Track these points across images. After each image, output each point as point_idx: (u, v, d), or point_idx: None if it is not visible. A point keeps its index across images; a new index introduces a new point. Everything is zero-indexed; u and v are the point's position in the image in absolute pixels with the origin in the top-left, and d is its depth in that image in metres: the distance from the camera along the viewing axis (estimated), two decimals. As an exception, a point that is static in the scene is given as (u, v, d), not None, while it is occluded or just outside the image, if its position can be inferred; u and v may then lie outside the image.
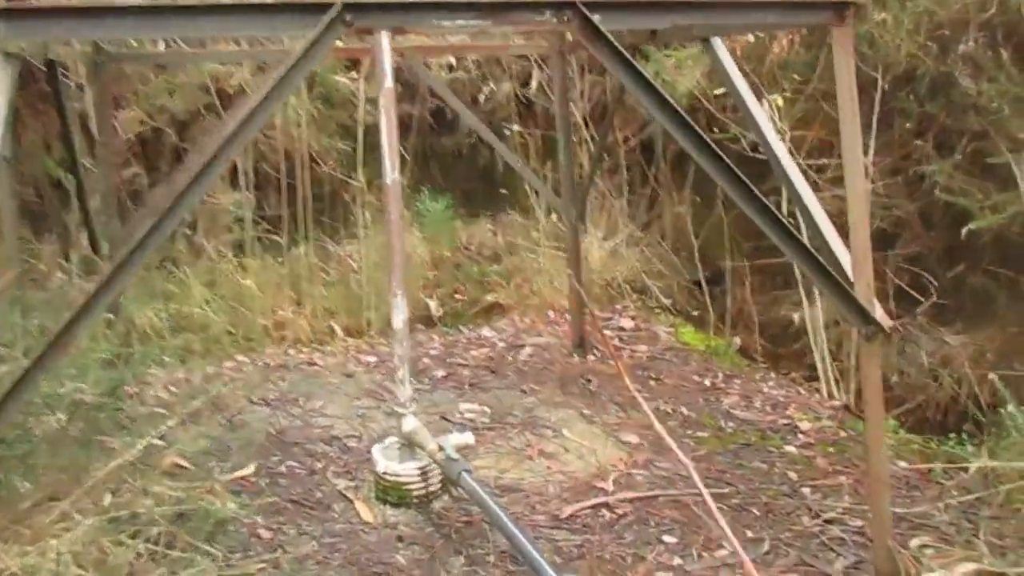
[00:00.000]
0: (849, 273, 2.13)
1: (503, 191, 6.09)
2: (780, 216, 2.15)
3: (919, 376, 3.59)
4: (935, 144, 3.64)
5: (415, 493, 2.81)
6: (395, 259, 2.70)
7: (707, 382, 3.85)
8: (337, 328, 4.78)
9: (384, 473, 2.81)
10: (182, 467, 2.86)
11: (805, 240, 2.15)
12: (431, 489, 2.85)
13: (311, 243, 5.00)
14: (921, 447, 3.11)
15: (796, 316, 4.16)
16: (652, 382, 3.87)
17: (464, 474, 2.44)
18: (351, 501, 2.85)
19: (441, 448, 2.58)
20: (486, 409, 3.60)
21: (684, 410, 3.53)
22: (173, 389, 3.98)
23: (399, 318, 2.74)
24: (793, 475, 2.97)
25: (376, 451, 2.86)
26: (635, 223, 5.53)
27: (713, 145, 2.10)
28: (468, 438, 2.72)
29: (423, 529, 2.67)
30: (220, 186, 5.18)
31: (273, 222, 5.10)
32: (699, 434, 3.32)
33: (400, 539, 2.62)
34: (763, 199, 2.15)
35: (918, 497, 2.78)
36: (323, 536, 2.66)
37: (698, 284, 5.18)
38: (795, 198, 2.34)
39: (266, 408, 3.70)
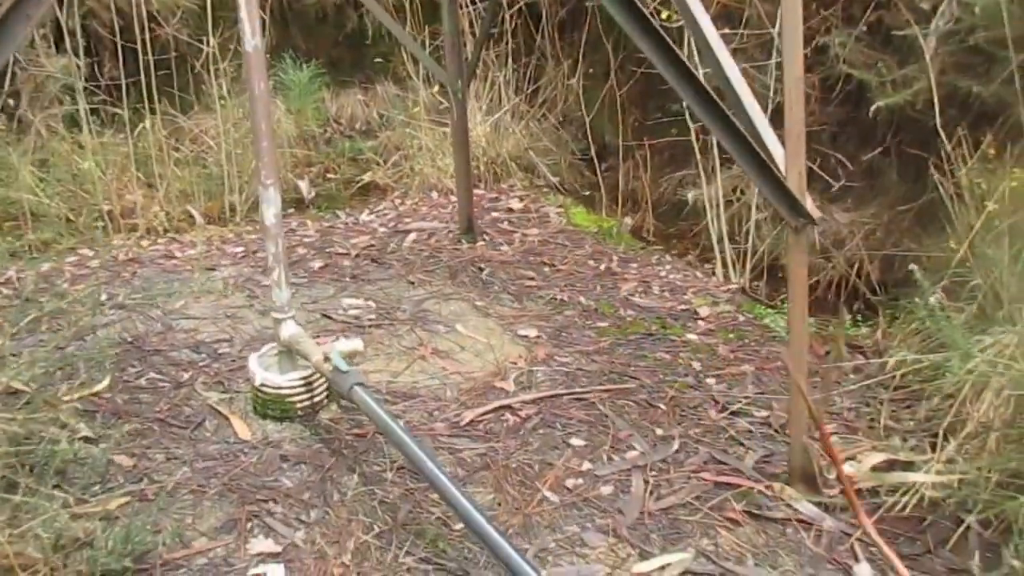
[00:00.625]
0: (779, 161, 1.94)
1: (376, 59, 5.57)
2: (709, 90, 1.91)
3: (812, 256, 3.55)
4: (843, 16, 3.47)
5: (299, 406, 2.54)
6: (262, 143, 2.31)
7: (602, 267, 3.69)
8: (196, 214, 4.28)
9: (263, 385, 2.52)
10: (19, 391, 2.44)
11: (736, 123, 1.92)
12: (316, 399, 2.60)
13: (158, 117, 4.39)
14: (818, 330, 3.09)
15: (691, 196, 4.03)
16: (546, 268, 3.68)
17: (356, 388, 2.18)
18: (226, 417, 2.54)
19: (328, 358, 2.30)
20: (371, 304, 3.32)
21: (582, 299, 3.37)
22: (4, 292, 3.45)
23: (271, 212, 2.39)
24: (696, 365, 2.89)
25: (253, 361, 2.55)
26: (520, 95, 5.19)
27: None
28: (357, 344, 2.45)
29: (310, 446, 2.42)
30: (42, 48, 4.43)
31: (111, 92, 4.42)
32: (599, 324, 3.17)
33: (285, 459, 2.36)
34: (689, 67, 1.90)
35: (817, 383, 2.76)
36: (195, 460, 2.36)
37: (588, 161, 4.96)
38: (717, 74, 2.10)
39: (119, 311, 3.26)
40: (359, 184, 4.96)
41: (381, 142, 5.42)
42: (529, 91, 5.21)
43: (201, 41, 4.51)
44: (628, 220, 4.28)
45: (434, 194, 4.68)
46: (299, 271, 3.65)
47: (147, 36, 4.39)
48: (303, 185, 4.72)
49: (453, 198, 4.58)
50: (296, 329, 2.49)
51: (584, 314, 3.25)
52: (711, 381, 2.79)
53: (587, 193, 4.75)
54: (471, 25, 5.04)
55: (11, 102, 4.56)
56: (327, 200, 4.75)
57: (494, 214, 4.36)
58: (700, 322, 3.22)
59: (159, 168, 4.33)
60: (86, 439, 2.39)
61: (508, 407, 2.61)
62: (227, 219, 4.33)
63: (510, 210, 4.43)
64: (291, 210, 4.61)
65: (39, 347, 2.95)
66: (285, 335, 2.48)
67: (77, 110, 4.35)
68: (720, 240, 3.77)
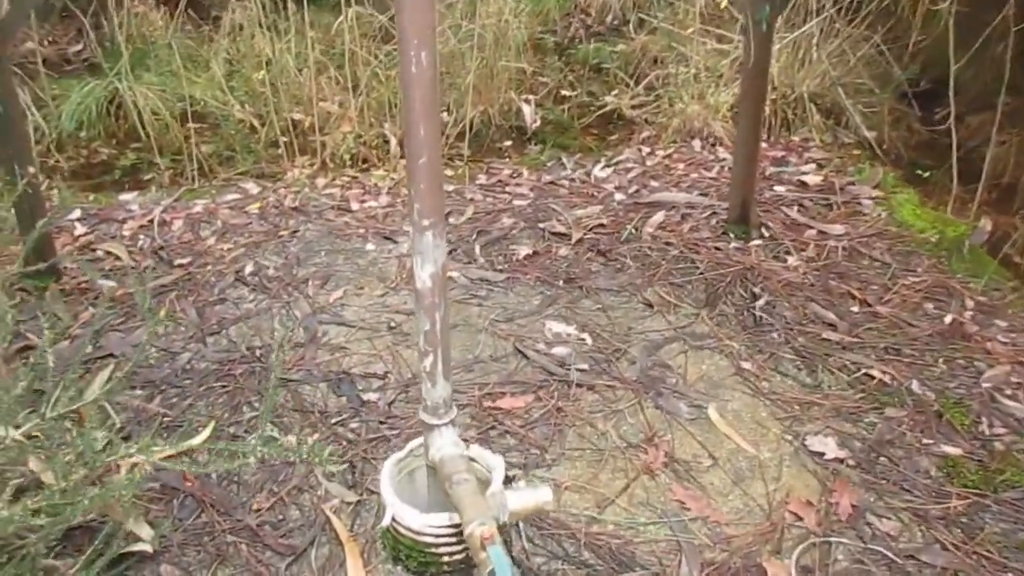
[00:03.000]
0: None
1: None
2: None
3: None
4: None
5: (447, 560, 1.61)
6: (418, 158, 1.28)
7: (947, 317, 2.37)
8: (392, 138, 3.39)
9: (396, 523, 1.61)
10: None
11: None
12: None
13: (352, 12, 3.46)
14: None
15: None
16: (855, 307, 2.42)
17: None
18: (341, 545, 1.69)
19: (485, 544, 1.32)
20: (585, 339, 2.28)
21: (915, 386, 2.11)
22: (141, 244, 2.79)
23: (427, 271, 1.39)
24: None
25: (386, 476, 1.64)
26: (835, 4, 3.69)
27: None
28: (542, 498, 1.45)
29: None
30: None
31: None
32: (945, 449, 1.93)
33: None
34: None
35: None
36: None
37: (927, 114, 3.46)
38: None
39: (257, 297, 2.48)
40: (598, 111, 3.82)
41: (634, 51, 4.20)
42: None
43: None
44: (987, 224, 2.82)
45: (696, 143, 3.45)
46: (497, 257, 2.67)
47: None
48: (527, 111, 3.67)
49: (722, 154, 3.33)
50: (453, 451, 1.53)
51: (918, 420, 2.01)
52: None
53: (918, 166, 3.29)
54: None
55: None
56: (554, 131, 3.68)
57: (778, 188, 3.08)
58: None
59: (356, 69, 3.44)
60: (138, 558, 1.64)
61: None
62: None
63: (802, 185, 3.12)
64: (507, 142, 3.60)
65: (133, 356, 2.24)
66: (436, 455, 1.53)
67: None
68: None
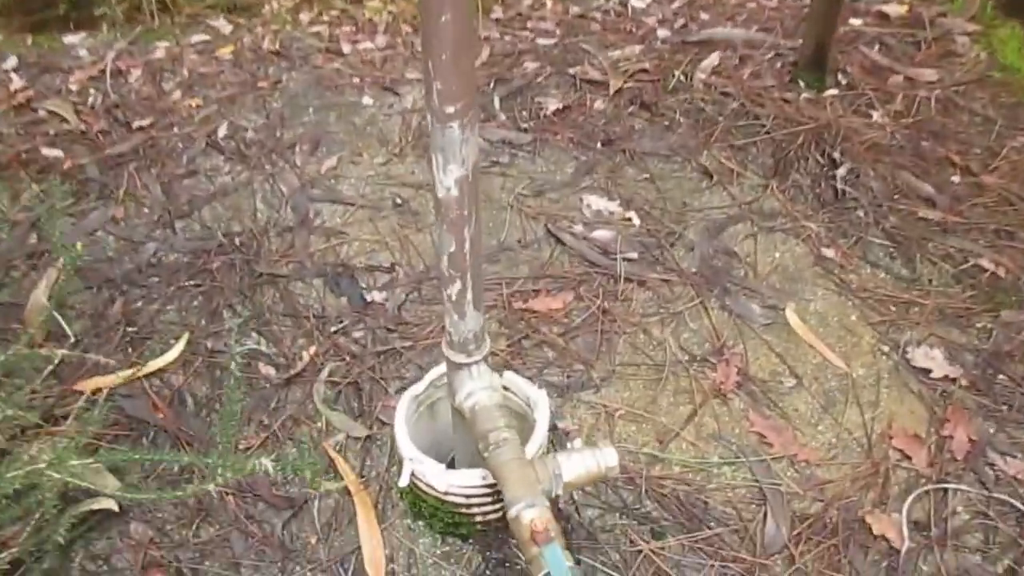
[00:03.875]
0: None
1: None
2: None
3: None
4: None
5: (479, 519, 1.32)
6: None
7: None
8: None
9: (416, 480, 1.30)
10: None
11: None
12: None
13: None
14: None
15: None
16: (955, 176, 2.00)
17: None
18: (350, 497, 1.38)
19: (534, 508, 1.01)
20: (631, 219, 1.89)
21: (1037, 280, 1.75)
22: (90, 97, 2.32)
23: (451, 175, 0.98)
24: None
25: (402, 417, 1.31)
26: None
27: None
28: (606, 462, 1.13)
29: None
30: None
31: None
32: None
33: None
34: None
35: None
36: None
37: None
38: None
39: (234, 167, 2.06)
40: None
41: None
42: None
43: None
44: (1104, 66, 2.34)
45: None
46: (521, 112, 2.21)
47: None
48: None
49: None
50: (487, 399, 1.18)
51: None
52: None
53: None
54: None
55: None
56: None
57: (854, 22, 2.56)
58: None
59: None
60: (101, 516, 1.34)
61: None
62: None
63: (882, 18, 2.59)
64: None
65: (94, 236, 1.86)
66: (466, 402, 1.18)
67: None
68: None
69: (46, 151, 2.09)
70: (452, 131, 0.92)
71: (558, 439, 1.45)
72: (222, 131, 2.15)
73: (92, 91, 2.32)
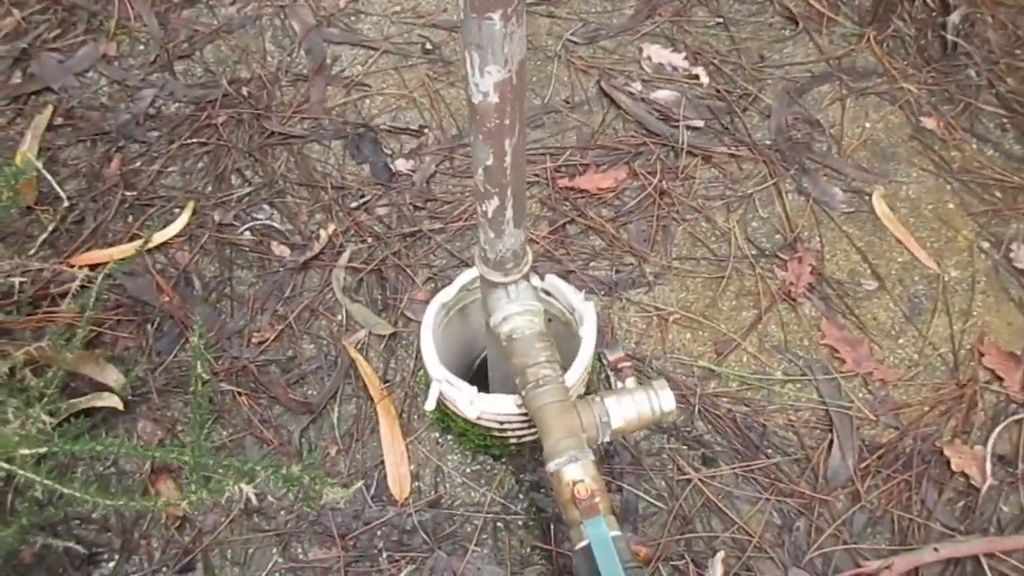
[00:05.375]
0: None
1: None
2: None
3: None
4: None
5: (513, 442, 1.21)
6: None
7: None
8: None
9: (443, 397, 1.18)
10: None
11: None
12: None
13: None
14: None
15: None
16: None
17: None
18: (372, 403, 1.26)
19: (577, 463, 0.90)
20: (699, 76, 1.61)
21: None
22: None
23: (490, 79, 0.75)
24: None
25: (428, 329, 1.18)
26: None
27: None
28: (663, 406, 0.99)
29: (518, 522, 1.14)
30: None
31: None
32: None
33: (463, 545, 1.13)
34: None
35: None
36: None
37: None
38: None
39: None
40: None
41: None
42: None
43: None
44: None
45: None
46: (573, -67, 1.87)
47: None
48: None
49: None
50: (527, 326, 1.01)
51: None
52: None
53: None
54: None
55: None
56: None
57: None
58: None
59: None
60: (105, 412, 1.24)
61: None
62: None
63: None
64: None
65: (84, 78, 1.65)
66: (503, 327, 1.02)
67: None
68: None
69: (27, -30, 1.82)
70: (491, 24, 0.69)
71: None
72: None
73: None
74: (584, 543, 0.87)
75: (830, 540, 1.13)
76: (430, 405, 1.11)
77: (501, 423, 1.11)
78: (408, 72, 1.63)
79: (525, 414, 1.09)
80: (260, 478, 0.81)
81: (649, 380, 1.00)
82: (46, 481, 0.82)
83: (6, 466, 0.82)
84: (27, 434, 0.90)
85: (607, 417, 0.96)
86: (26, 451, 0.85)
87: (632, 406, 0.97)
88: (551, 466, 0.93)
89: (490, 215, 0.91)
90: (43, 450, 0.87)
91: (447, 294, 1.17)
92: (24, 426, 0.90)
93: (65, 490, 0.88)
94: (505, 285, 1.00)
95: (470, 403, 1.08)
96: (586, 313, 1.14)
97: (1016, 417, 1.23)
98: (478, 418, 1.11)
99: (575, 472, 0.91)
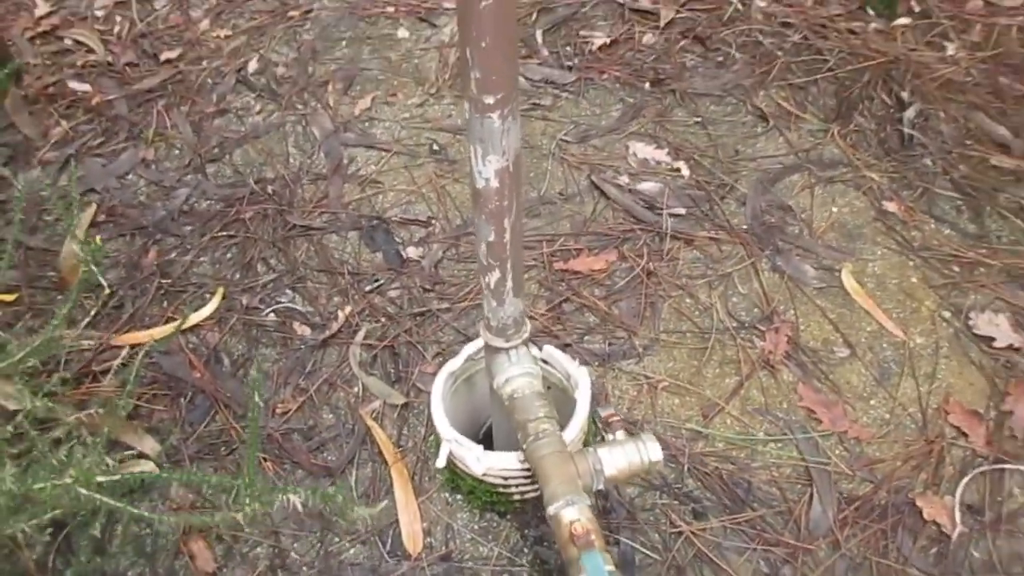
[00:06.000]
0: None
1: None
2: None
3: None
4: None
5: (516, 498, 1.31)
6: None
7: None
8: None
9: (452, 457, 1.28)
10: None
11: None
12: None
13: None
14: None
15: None
16: (1034, 119, 1.86)
17: None
18: (386, 464, 1.37)
19: (574, 506, 1.00)
20: (680, 169, 1.79)
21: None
22: (114, 30, 2.24)
23: (492, 168, 0.91)
24: None
25: (438, 395, 1.29)
26: None
27: None
28: (650, 456, 1.09)
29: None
30: None
31: None
32: None
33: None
34: None
35: None
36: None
37: None
38: None
39: (265, 104, 1.98)
40: None
41: None
42: None
43: None
44: None
45: None
46: (565, 48, 2.08)
47: None
48: None
49: None
50: (527, 387, 1.13)
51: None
52: None
53: None
54: None
55: None
56: None
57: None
58: None
59: None
60: (142, 480, 1.34)
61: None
62: None
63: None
64: None
65: (124, 180, 1.82)
66: (505, 388, 1.14)
67: None
68: None
69: (73, 84, 2.03)
70: (491, 122, 0.84)
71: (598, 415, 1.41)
72: (252, 66, 2.06)
73: (118, 18, 2.24)
74: (581, 574, 0.96)
75: (814, 586, 1.22)
76: (441, 463, 1.22)
77: (505, 479, 1.22)
78: (417, 170, 1.81)
79: (527, 469, 1.20)
80: (301, 497, 0.93)
81: (639, 433, 1.11)
82: (131, 509, 0.93)
83: (85, 492, 0.93)
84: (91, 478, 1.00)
85: (600, 465, 1.07)
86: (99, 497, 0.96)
87: (623, 456, 1.09)
88: (551, 509, 1.03)
89: (493, 286, 1.04)
90: (108, 499, 0.98)
91: (454, 363, 1.30)
92: (92, 469, 1.01)
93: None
94: (507, 350, 1.13)
95: (477, 460, 1.19)
96: (581, 378, 1.26)
97: (981, 469, 1.33)
98: (484, 474, 1.21)
99: (572, 514, 1.01)
